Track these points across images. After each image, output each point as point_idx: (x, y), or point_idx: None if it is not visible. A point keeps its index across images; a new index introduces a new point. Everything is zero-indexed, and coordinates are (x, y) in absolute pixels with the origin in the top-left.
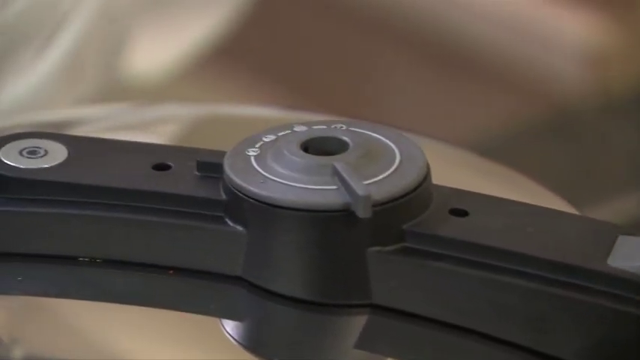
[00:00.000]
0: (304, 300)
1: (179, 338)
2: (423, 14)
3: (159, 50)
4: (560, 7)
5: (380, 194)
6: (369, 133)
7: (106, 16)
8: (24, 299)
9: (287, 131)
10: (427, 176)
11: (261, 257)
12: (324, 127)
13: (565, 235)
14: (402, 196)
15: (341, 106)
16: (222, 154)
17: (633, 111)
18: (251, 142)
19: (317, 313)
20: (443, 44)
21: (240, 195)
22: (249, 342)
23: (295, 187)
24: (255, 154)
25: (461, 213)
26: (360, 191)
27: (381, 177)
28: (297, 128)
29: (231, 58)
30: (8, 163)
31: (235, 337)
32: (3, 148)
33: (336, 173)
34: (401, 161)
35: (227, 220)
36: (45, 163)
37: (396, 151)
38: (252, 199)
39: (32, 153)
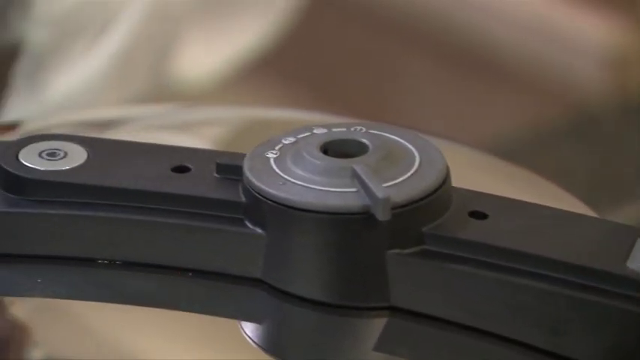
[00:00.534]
0: (323, 302)
1: (198, 340)
2: (444, 17)
3: (206, 54)
4: (579, 10)
5: (399, 197)
6: (389, 135)
7: (156, 16)
8: (43, 301)
9: (307, 133)
10: (447, 179)
11: (281, 259)
12: (344, 129)
13: (584, 237)
14: (421, 199)
15: (361, 108)
16: (242, 156)
17: None
18: (270, 145)
19: (336, 315)
20: (462, 47)
21: (260, 197)
22: (268, 344)
23: (315, 189)
24: (274, 156)
25: (480, 215)
26: (379, 194)
27: (400, 179)
28: (316, 130)
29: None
30: (27, 164)
31: (254, 339)
32: (22, 150)
33: (355, 176)
34: (420, 164)
35: (246, 222)
36: (64, 165)
37: (416, 153)
38: (272, 201)
39: (51, 155)
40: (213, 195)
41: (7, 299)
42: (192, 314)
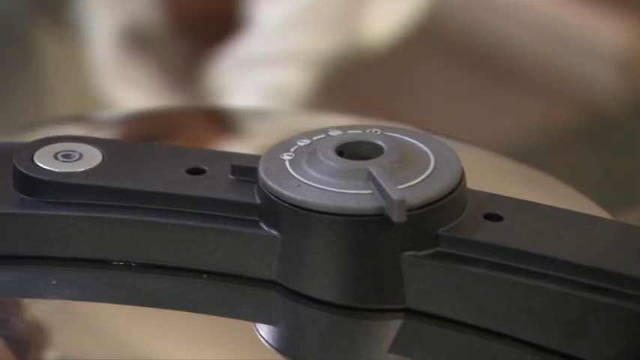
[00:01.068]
0: (338, 304)
1: (213, 342)
2: (460, 20)
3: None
4: (592, 12)
5: (414, 199)
6: (404, 137)
7: None
8: (58, 303)
9: (322, 135)
10: (462, 181)
11: (295, 261)
12: (359, 131)
13: (597, 239)
14: (436, 201)
15: (376, 110)
16: (257, 158)
17: None
18: (285, 146)
19: (350, 317)
20: (477, 49)
21: (275, 199)
22: (283, 346)
23: (330, 191)
24: (289, 158)
25: (495, 218)
26: (394, 196)
27: (415, 181)
28: (332, 132)
29: None
30: (42, 166)
31: (268, 341)
32: (38, 152)
33: (370, 178)
34: (435, 166)
35: (261, 224)
36: (79, 167)
37: (431, 155)
38: (287, 203)
39: (67, 156)
40: (228, 197)
41: (23, 301)
42: (207, 316)
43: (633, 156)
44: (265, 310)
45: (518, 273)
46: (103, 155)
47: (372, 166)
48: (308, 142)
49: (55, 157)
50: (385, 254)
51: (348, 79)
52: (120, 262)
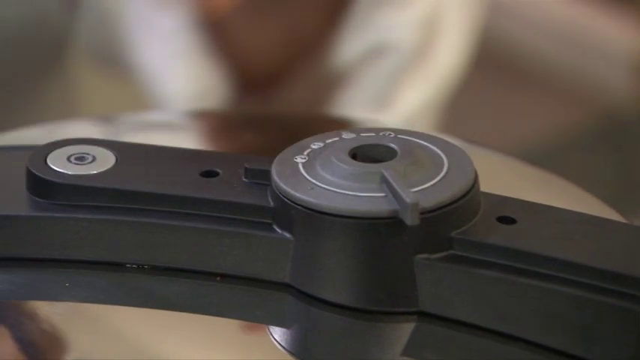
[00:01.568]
0: (351, 307)
1: (226, 344)
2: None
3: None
4: (607, 16)
5: (428, 202)
6: (417, 140)
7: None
8: (71, 305)
9: (335, 138)
10: (475, 184)
11: (309, 264)
12: (373, 134)
13: (612, 242)
14: (449, 204)
15: None
16: (270, 160)
17: None
18: (299, 149)
19: (364, 320)
20: (492, 53)
21: (288, 202)
22: (296, 348)
23: (343, 194)
24: (303, 161)
25: (509, 221)
26: (408, 199)
27: (429, 184)
28: (345, 135)
29: None
30: (56, 169)
31: (282, 343)
32: (51, 154)
33: (384, 181)
34: (449, 169)
35: (275, 226)
36: (92, 170)
37: (444, 158)
38: (300, 206)
39: (80, 159)
40: (242, 200)
41: (37, 303)
42: (221, 318)
43: None
44: (278, 313)
45: (531, 276)
46: (116, 158)
47: (386, 169)
48: (321, 145)
49: (69, 159)
50: (398, 257)
51: None
52: (133, 264)
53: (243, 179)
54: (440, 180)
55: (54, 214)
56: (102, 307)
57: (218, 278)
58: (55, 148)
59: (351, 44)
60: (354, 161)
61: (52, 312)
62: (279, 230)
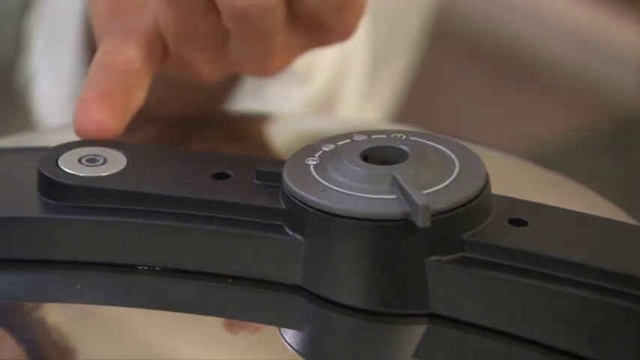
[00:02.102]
0: (362, 309)
1: (238, 346)
2: (485, 25)
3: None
4: (619, 19)
5: (439, 204)
6: (429, 142)
7: None
8: (82, 307)
9: (347, 140)
10: (486, 186)
11: (320, 266)
12: (384, 136)
13: (623, 245)
14: (461, 206)
15: (401, 115)
16: (282, 163)
17: None
18: (310, 151)
19: (375, 322)
20: (503, 55)
21: (300, 204)
22: (308, 350)
23: (355, 196)
24: (314, 163)
25: (520, 223)
26: (419, 201)
27: (440, 186)
28: (356, 137)
29: None
30: (67, 170)
31: (293, 345)
32: (62, 156)
33: (395, 183)
34: (460, 171)
35: (286, 229)
36: (104, 171)
37: (456, 160)
38: (312, 208)
39: (91, 161)
40: (253, 202)
41: (48, 305)
42: (232, 320)
43: None
44: (290, 315)
45: (542, 278)
46: (127, 160)
47: (397, 171)
48: (333, 147)
49: (80, 161)
50: (410, 259)
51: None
52: (144, 266)
53: (255, 181)
54: (451, 182)
55: (65, 215)
56: (113, 309)
57: (229, 280)
58: (66, 150)
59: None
60: (366, 163)
61: (63, 313)
62: (290, 232)
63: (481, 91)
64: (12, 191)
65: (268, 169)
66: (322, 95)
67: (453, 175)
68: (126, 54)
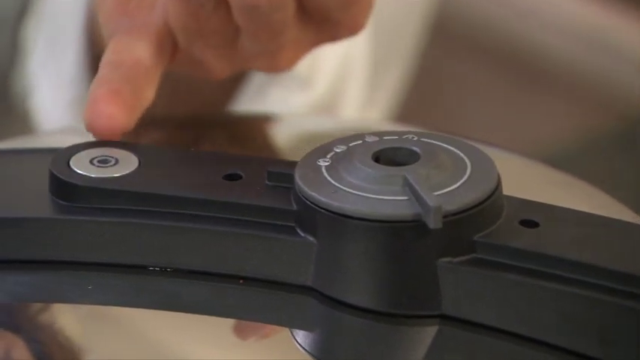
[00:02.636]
0: (374, 310)
1: (249, 347)
2: (496, 26)
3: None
4: (629, 19)
5: (451, 205)
6: (440, 143)
7: None
8: (94, 308)
9: (358, 142)
10: (498, 187)
11: (332, 267)
12: (396, 137)
13: (635, 246)
14: (472, 207)
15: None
16: (293, 164)
17: None
18: (322, 153)
19: (387, 323)
20: (514, 56)
21: (311, 205)
22: (319, 352)
23: (366, 197)
24: (326, 164)
25: (531, 224)
26: (430, 202)
27: (451, 188)
28: (368, 139)
29: None
30: (79, 171)
31: (305, 347)
32: (74, 157)
33: (406, 184)
34: (472, 172)
35: (298, 230)
36: (115, 172)
37: (467, 161)
38: (323, 209)
39: (103, 162)
40: (265, 203)
41: (59, 305)
42: (243, 321)
43: None
44: (301, 316)
45: (554, 280)
46: (139, 161)
47: (409, 173)
48: (344, 148)
49: (91, 162)
50: (421, 260)
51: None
52: (156, 267)
53: (266, 182)
54: (463, 183)
55: (77, 216)
56: (124, 310)
57: (241, 281)
58: (77, 151)
59: None
60: (377, 164)
61: (75, 314)
62: (302, 233)
63: (493, 92)
64: (23, 192)
65: (280, 170)
66: (324, 99)
67: (465, 177)
68: (135, 51)
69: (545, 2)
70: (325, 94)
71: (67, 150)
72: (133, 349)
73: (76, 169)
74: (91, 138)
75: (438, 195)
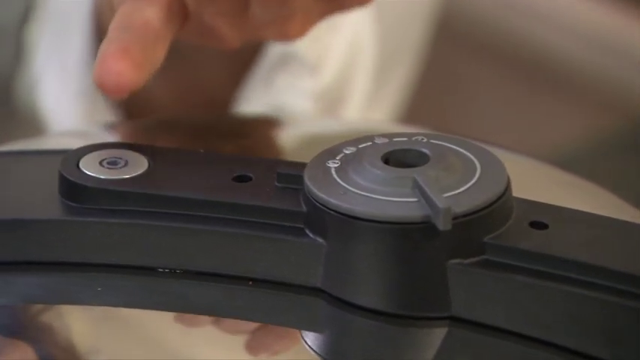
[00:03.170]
0: (383, 312)
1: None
2: (505, 27)
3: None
4: (638, 21)
5: (460, 207)
6: (450, 145)
7: None
8: (103, 309)
9: (368, 143)
10: (507, 189)
11: (341, 269)
12: (405, 139)
13: None
14: (482, 209)
15: (422, 117)
16: (303, 165)
17: None
18: (331, 154)
19: (396, 325)
20: (522, 57)
21: (321, 207)
22: (329, 353)
23: (376, 199)
24: (335, 165)
25: (541, 226)
26: (440, 204)
27: (461, 189)
28: (378, 140)
29: None
30: (88, 173)
31: (314, 348)
32: (83, 159)
33: (416, 186)
34: (481, 174)
35: (307, 231)
36: (125, 174)
37: (477, 163)
38: (333, 210)
39: (112, 163)
40: (274, 204)
41: (69, 307)
42: (252, 323)
43: None
44: (311, 317)
45: (564, 281)
46: (149, 162)
47: (418, 174)
48: (354, 149)
49: (101, 164)
50: (431, 262)
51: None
52: (165, 269)
53: (276, 184)
54: (472, 185)
55: (86, 218)
56: (133, 312)
57: (250, 283)
58: (87, 152)
59: (250, 105)
60: (387, 166)
61: (84, 316)
62: (311, 235)
63: (502, 94)
64: (33, 193)
65: (289, 172)
66: (332, 87)
67: (474, 178)
68: (145, 14)
69: (554, 3)
70: (333, 80)
71: (76, 151)
72: (142, 351)
73: (85, 171)
74: (99, 140)
75: (448, 197)
